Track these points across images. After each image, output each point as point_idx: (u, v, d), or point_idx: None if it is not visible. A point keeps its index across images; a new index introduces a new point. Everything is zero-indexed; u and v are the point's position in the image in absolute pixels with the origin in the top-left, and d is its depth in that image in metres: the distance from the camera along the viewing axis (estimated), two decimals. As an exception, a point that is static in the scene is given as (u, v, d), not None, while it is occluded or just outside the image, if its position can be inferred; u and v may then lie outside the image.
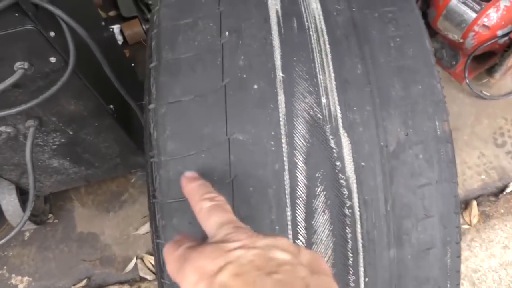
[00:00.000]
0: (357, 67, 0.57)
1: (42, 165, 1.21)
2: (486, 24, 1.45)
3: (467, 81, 1.61)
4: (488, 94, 1.66)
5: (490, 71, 1.57)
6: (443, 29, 1.57)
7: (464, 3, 1.46)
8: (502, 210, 1.48)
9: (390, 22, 0.60)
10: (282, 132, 0.54)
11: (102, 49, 1.02)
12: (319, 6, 0.62)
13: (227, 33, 0.59)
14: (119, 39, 1.75)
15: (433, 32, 1.68)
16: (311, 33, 0.59)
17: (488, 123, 1.63)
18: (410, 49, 0.58)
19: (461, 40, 1.53)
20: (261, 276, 0.33)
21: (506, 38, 1.45)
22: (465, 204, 1.51)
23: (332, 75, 0.56)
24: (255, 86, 0.55)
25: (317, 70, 0.57)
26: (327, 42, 0.58)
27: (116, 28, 1.75)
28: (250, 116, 0.54)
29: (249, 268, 0.34)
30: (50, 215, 1.50)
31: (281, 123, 0.54)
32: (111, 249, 1.43)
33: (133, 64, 1.59)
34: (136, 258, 1.41)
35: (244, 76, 0.56)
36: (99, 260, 1.42)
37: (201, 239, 0.42)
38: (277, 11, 0.61)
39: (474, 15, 1.45)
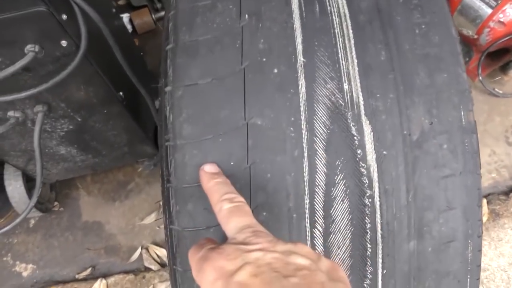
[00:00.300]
0: (380, 53, 0.55)
1: (50, 152, 1.20)
2: (501, 20, 1.42)
3: (480, 78, 1.58)
4: (501, 92, 1.63)
5: (504, 69, 1.55)
6: (457, 24, 1.54)
7: (480, -2, 1.44)
8: (511, 209, 1.47)
9: (416, 9, 0.58)
10: (302, 118, 0.52)
11: (113, 34, 1.01)
12: (341, -10, 0.60)
13: (246, 15, 0.57)
14: (128, 28, 1.73)
15: (446, 28, 1.65)
16: (333, 17, 0.57)
17: (500, 121, 1.61)
18: (436, 36, 0.57)
19: (476, 36, 1.50)
20: (279, 277, 0.33)
21: (522, 35, 1.43)
22: (475, 203, 1.49)
23: (355, 61, 0.55)
24: (275, 70, 0.54)
25: (340, 55, 0.55)
26: (350, 27, 0.57)
27: (125, 17, 1.73)
28: (269, 101, 0.53)
29: (267, 270, 0.34)
30: (56, 203, 1.49)
31: (301, 108, 0.53)
32: (116, 239, 1.42)
33: (142, 53, 1.58)
34: (141, 248, 1.40)
35: (264, 59, 0.54)
36: (104, 249, 1.41)
37: (221, 241, 0.42)
38: (298, -6, 0.59)
39: (489, 10, 1.42)
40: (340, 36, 0.56)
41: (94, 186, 1.50)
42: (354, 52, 0.55)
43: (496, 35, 1.46)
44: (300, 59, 0.54)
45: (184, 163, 0.52)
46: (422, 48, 0.56)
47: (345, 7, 0.58)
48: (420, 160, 0.52)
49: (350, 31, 0.56)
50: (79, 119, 1.07)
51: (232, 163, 0.51)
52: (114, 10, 1.21)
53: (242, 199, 0.45)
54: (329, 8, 0.58)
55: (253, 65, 0.54)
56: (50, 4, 0.75)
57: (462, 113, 0.54)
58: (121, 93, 1.06)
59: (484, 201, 1.47)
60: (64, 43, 0.82)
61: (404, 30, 0.56)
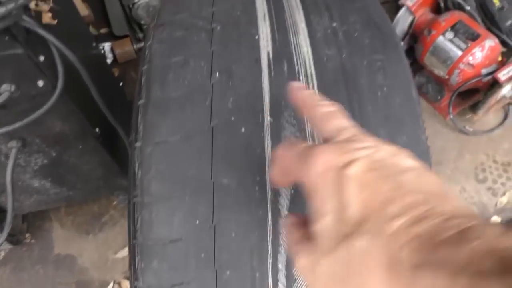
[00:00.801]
0: (344, 115, 0.57)
1: (23, 185, 1.19)
2: (471, 62, 1.49)
3: (451, 116, 1.64)
4: (471, 129, 1.69)
5: (474, 108, 1.61)
6: (429, 64, 1.60)
7: (450, 40, 1.50)
8: (482, 246, 1.50)
9: (379, 71, 0.61)
10: (267, 177, 0.54)
11: (91, 69, 1.02)
12: (310, 50, 0.63)
13: (217, 73, 0.59)
14: (109, 57, 1.74)
15: (419, 67, 1.71)
16: (301, 77, 0.60)
17: (470, 158, 1.66)
18: (397, 99, 0.59)
19: (447, 77, 1.56)
20: (395, 172, 0.30)
21: (490, 77, 1.49)
22: (446, 239, 1.52)
23: (320, 121, 0.57)
24: (243, 130, 0.56)
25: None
26: (316, 88, 0.59)
27: (106, 46, 1.74)
28: (236, 160, 0.54)
29: (381, 165, 0.31)
30: (27, 235, 1.46)
31: (267, 168, 0.54)
32: (88, 273, 1.40)
33: (121, 83, 1.59)
34: (113, 283, 1.38)
35: (232, 118, 0.56)
36: (76, 284, 1.38)
37: None
38: (268, 53, 0.62)
39: (460, 53, 1.49)
40: (306, 97, 0.58)
41: (68, 218, 1.48)
42: (319, 113, 0.57)
43: (466, 76, 1.52)
44: (268, 118, 0.56)
45: (151, 220, 0.53)
46: (383, 110, 0.58)
47: (312, 68, 0.61)
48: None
49: (316, 91, 0.59)
50: (54, 154, 1.07)
51: (197, 222, 0.52)
52: (94, 43, 1.22)
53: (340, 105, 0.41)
54: (297, 67, 0.61)
55: (222, 124, 0.56)
56: (28, 46, 0.76)
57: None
58: (97, 129, 1.07)
59: (455, 237, 1.50)
60: (40, 83, 0.83)
61: (367, 92, 0.59)
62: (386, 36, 0.66)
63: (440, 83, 1.67)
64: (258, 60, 0.61)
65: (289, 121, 0.57)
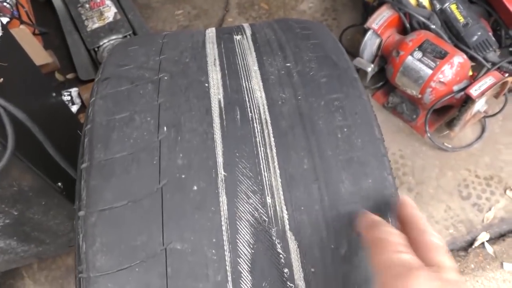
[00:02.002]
0: (303, 162, 0.54)
1: (-14, 246, 1.12)
2: (442, 80, 1.48)
3: (429, 134, 1.62)
4: (450, 146, 1.67)
5: (450, 125, 1.59)
6: (401, 85, 1.59)
7: (419, 60, 1.50)
8: (472, 265, 1.46)
9: (337, 111, 0.58)
10: (225, 238, 0.50)
11: (51, 120, 0.97)
12: (263, 95, 0.59)
13: (165, 128, 0.55)
14: (77, 103, 1.70)
15: (392, 87, 1.70)
16: (255, 125, 0.56)
17: (452, 175, 1.63)
18: (359, 139, 0.56)
19: (420, 96, 1.55)
20: None
21: (462, 93, 1.48)
22: (436, 261, 1.47)
23: (278, 171, 0.53)
24: (195, 187, 0.51)
25: (262, 166, 0.53)
26: (271, 135, 0.55)
27: (74, 91, 1.70)
28: (189, 222, 0.50)
29: None
30: (-2, 296, 1.38)
31: (223, 228, 0.50)
32: (65, 332, 1.32)
33: (90, 129, 1.54)
34: None
35: (183, 176, 0.52)
36: None
37: None
38: (219, 101, 0.58)
39: (430, 71, 1.48)
40: (261, 145, 0.55)
41: (41, 273, 1.41)
42: (276, 162, 0.53)
43: (438, 94, 1.51)
44: (221, 173, 0.52)
45: (98, 298, 0.48)
46: (345, 153, 0.55)
47: (267, 113, 0.57)
48: (351, 275, 0.50)
49: (272, 139, 0.55)
50: (16, 213, 1.01)
51: (149, 296, 0.47)
52: (53, 93, 1.18)
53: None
54: (250, 114, 0.57)
55: (172, 183, 0.52)
56: (-30, 107, 0.72)
57: (390, 220, 0.53)
58: (59, 183, 1.01)
59: (445, 258, 1.46)
60: (-12, 145, 0.78)
61: (326, 134, 0.56)
62: (343, 72, 0.63)
63: (414, 102, 1.65)
64: (208, 110, 0.57)
65: (245, 173, 0.53)
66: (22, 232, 1.11)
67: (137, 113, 0.57)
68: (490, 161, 1.65)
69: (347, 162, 0.54)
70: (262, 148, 0.54)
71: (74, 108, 1.70)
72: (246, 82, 0.61)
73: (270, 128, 0.56)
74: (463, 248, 1.50)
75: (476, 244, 1.49)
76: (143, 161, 0.53)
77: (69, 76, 1.79)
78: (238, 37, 0.70)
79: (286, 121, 0.57)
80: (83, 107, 1.71)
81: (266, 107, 0.58)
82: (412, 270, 0.38)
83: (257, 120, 0.57)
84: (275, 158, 0.54)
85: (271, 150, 0.54)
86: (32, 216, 1.05)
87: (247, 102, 0.58)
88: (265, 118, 0.57)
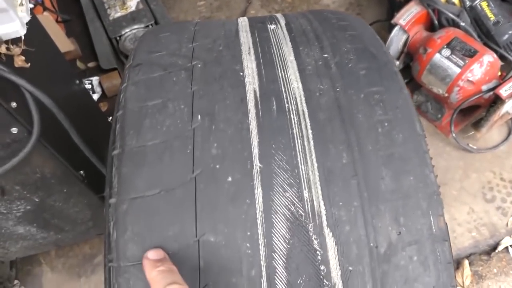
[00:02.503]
0: (342, 156, 0.51)
1: (6, 232, 1.12)
2: (470, 79, 1.44)
3: (454, 134, 1.58)
4: (475, 147, 1.63)
5: (476, 125, 1.55)
6: (427, 83, 1.55)
7: (448, 58, 1.45)
8: (495, 270, 1.42)
9: (377, 104, 0.55)
10: (259, 232, 0.48)
11: (74, 108, 0.96)
12: (300, 86, 0.57)
13: (199, 116, 0.53)
14: (98, 91, 1.70)
15: (417, 85, 1.66)
16: (291, 116, 0.54)
17: (476, 177, 1.59)
18: (400, 134, 0.54)
19: (446, 95, 1.51)
20: None
21: (491, 93, 1.44)
22: (457, 264, 1.44)
23: (315, 165, 0.51)
24: (229, 179, 0.50)
25: (299, 159, 0.51)
26: (309, 127, 0.53)
27: (95, 80, 1.70)
28: (223, 214, 0.48)
29: None
30: (16, 281, 1.39)
31: (258, 221, 0.48)
32: (81, 320, 1.32)
33: (110, 118, 1.53)
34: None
35: (217, 166, 0.50)
36: (67, 332, 1.30)
37: None
38: (254, 91, 0.56)
39: (458, 70, 1.44)
40: (299, 137, 0.53)
41: (58, 261, 1.41)
42: (314, 155, 0.51)
43: (466, 93, 1.47)
44: (257, 164, 0.51)
45: (129, 288, 0.47)
46: (385, 148, 0.52)
47: (304, 104, 0.55)
48: (389, 275, 0.48)
49: (309, 131, 0.53)
50: (37, 200, 1.00)
51: None
52: (77, 81, 1.17)
53: None
54: (287, 105, 0.55)
55: (205, 173, 0.50)
56: (-2, 92, 0.71)
57: (432, 219, 0.50)
58: (81, 171, 1.01)
59: (466, 262, 1.43)
60: (14, 130, 0.77)
61: (366, 129, 0.53)
62: (383, 65, 0.61)
63: (440, 101, 1.62)
64: (243, 99, 0.55)
65: (281, 166, 0.51)
66: (42, 219, 1.11)
67: (170, 101, 0.55)
68: (516, 164, 1.61)
69: (387, 158, 0.52)
70: (299, 141, 0.52)
71: (94, 97, 1.69)
72: (282, 72, 0.58)
73: (307, 120, 0.54)
74: (485, 252, 1.46)
75: (500, 248, 1.45)
76: (176, 150, 0.51)
77: (90, 64, 1.79)
78: (272, 27, 0.68)
79: (324, 113, 0.54)
80: (103, 96, 1.71)
81: (303, 98, 0.56)
82: None
83: (294, 112, 0.54)
84: (313, 151, 0.52)
85: (309, 142, 0.52)
86: (53, 204, 1.05)
87: (284, 93, 0.56)
88: (302, 110, 0.55)
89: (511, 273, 1.41)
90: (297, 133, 0.53)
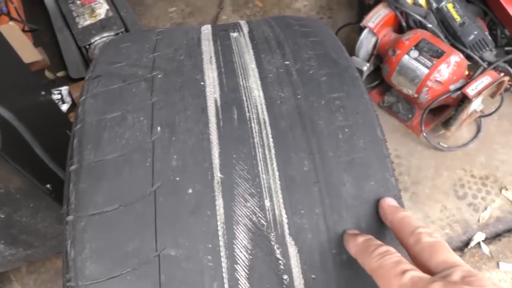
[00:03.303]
0: (303, 163, 0.51)
1: (-28, 250, 1.09)
2: (438, 79, 1.47)
3: (424, 134, 1.61)
4: (445, 145, 1.66)
5: (446, 124, 1.58)
6: (397, 84, 1.58)
7: (416, 59, 1.48)
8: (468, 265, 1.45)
9: (338, 110, 0.56)
10: (221, 243, 0.47)
11: (39, 120, 0.94)
12: (261, 94, 0.57)
13: (159, 128, 0.53)
14: (68, 101, 1.66)
15: (388, 86, 1.69)
16: (253, 125, 0.54)
17: (448, 175, 1.62)
18: (361, 140, 0.54)
19: (416, 95, 1.54)
20: None
21: (458, 92, 1.47)
22: (432, 261, 1.46)
23: (276, 173, 0.51)
24: (190, 191, 0.49)
25: (260, 168, 0.51)
26: (270, 135, 0.53)
27: (64, 89, 1.67)
28: (184, 227, 0.47)
29: None
30: (-14, 300, 1.35)
31: (220, 232, 0.47)
32: (55, 337, 1.29)
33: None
34: None
35: (178, 178, 0.49)
36: None
37: None
38: (215, 100, 0.56)
39: (426, 70, 1.47)
40: (260, 146, 0.52)
41: (30, 277, 1.37)
42: (275, 164, 0.51)
43: (434, 93, 1.50)
44: (217, 175, 0.50)
45: (88, 308, 0.45)
46: (346, 154, 0.53)
47: (265, 113, 0.55)
48: (353, 281, 0.48)
49: (271, 139, 0.53)
50: (2, 216, 0.97)
51: (142, 305, 0.45)
52: (42, 92, 1.15)
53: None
54: (248, 114, 0.55)
55: (166, 186, 0.49)
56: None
57: (393, 224, 0.51)
58: (48, 185, 0.98)
59: (441, 259, 1.44)
60: (-27, 145, 0.75)
61: (327, 135, 0.54)
62: (344, 70, 0.61)
63: (410, 102, 1.64)
64: (204, 109, 0.55)
65: (242, 176, 0.50)
66: (9, 235, 1.08)
67: (129, 113, 0.54)
68: (486, 160, 1.65)
69: (348, 164, 0.52)
70: (260, 149, 0.52)
71: (64, 107, 1.66)
72: (244, 81, 0.58)
73: (268, 128, 0.54)
74: (459, 248, 1.49)
75: (472, 244, 1.48)
76: (136, 163, 0.50)
77: (60, 74, 1.75)
78: (235, 35, 0.68)
79: (285, 121, 0.54)
80: (73, 106, 1.67)
81: (264, 106, 0.56)
82: None
83: (255, 120, 0.54)
84: (274, 159, 0.51)
85: (270, 151, 0.52)
86: (20, 219, 1.02)
87: (245, 102, 0.56)
88: (264, 118, 0.54)
89: (484, 268, 1.44)
90: (258, 142, 0.52)
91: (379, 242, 0.44)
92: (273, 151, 0.52)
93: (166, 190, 0.49)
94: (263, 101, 0.56)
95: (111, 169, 0.50)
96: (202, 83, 0.58)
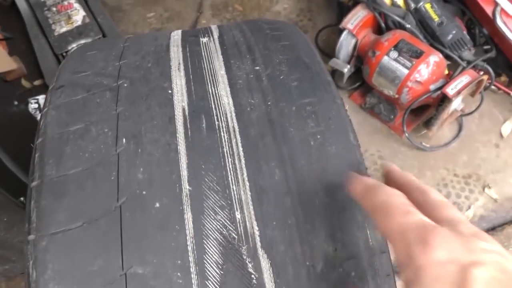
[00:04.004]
0: (274, 172, 0.50)
1: None
2: (418, 79, 1.47)
3: (406, 134, 1.61)
4: (428, 145, 1.66)
5: (427, 124, 1.58)
6: (378, 85, 1.57)
7: (395, 60, 1.48)
8: (454, 266, 1.44)
9: (310, 117, 0.54)
10: (191, 259, 0.45)
11: (13, 131, 0.91)
12: (231, 101, 0.55)
13: (124, 140, 0.51)
14: (45, 110, 1.63)
15: (369, 88, 1.68)
16: (222, 134, 0.52)
17: (431, 175, 1.63)
18: (333, 146, 0.52)
19: (397, 96, 1.54)
20: None
21: (438, 92, 1.47)
22: (418, 262, 1.46)
23: (247, 184, 0.49)
24: (157, 205, 0.47)
25: (230, 179, 0.49)
26: (240, 144, 0.51)
27: (41, 98, 1.63)
28: (151, 243, 0.45)
29: (510, 277, 0.30)
30: (-38, 318, 1.30)
31: (189, 248, 0.46)
32: None
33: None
34: None
35: (144, 192, 0.47)
36: None
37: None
38: (183, 109, 0.54)
39: (406, 71, 1.47)
40: (229, 156, 0.51)
41: (8, 292, 1.33)
42: (245, 174, 0.49)
43: (415, 93, 1.50)
44: (186, 187, 0.48)
45: (50, 333, 0.43)
46: (318, 162, 0.51)
47: (234, 120, 0.53)
48: (328, 294, 0.46)
49: (240, 148, 0.51)
50: (-25, 232, 0.95)
51: (108, 328, 0.43)
52: (15, 102, 1.12)
53: None
54: (217, 123, 0.53)
55: (131, 200, 0.47)
56: None
57: (368, 232, 0.49)
58: (21, 198, 0.95)
59: (426, 260, 1.44)
60: None
61: (298, 142, 0.52)
62: (316, 74, 0.60)
63: (392, 103, 1.64)
64: (172, 119, 0.53)
65: (212, 187, 0.49)
66: (-16, 250, 1.05)
67: (93, 124, 0.52)
68: (468, 159, 1.65)
69: (321, 172, 0.51)
70: (230, 159, 0.50)
71: (42, 116, 1.62)
72: (213, 88, 0.56)
73: (238, 137, 0.52)
74: (444, 248, 1.49)
75: (457, 243, 1.48)
76: (100, 177, 0.48)
77: (37, 82, 1.72)
78: (205, 40, 0.66)
79: (255, 129, 0.53)
80: (51, 115, 1.64)
81: (234, 114, 0.54)
82: (430, 231, 0.33)
83: (225, 129, 0.52)
84: (244, 169, 0.50)
85: (240, 161, 0.50)
86: (-6, 234, 0.99)
87: (214, 110, 0.54)
88: (233, 126, 0.53)
89: (469, 267, 1.43)
90: (228, 151, 0.51)
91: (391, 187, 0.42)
92: (243, 161, 0.50)
93: (132, 205, 0.47)
94: (232, 109, 0.54)
95: (73, 184, 0.48)
96: (169, 91, 0.56)
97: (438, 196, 0.40)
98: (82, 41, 1.75)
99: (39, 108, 1.66)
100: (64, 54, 1.74)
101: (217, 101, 0.55)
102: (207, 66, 0.60)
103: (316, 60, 0.62)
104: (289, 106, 0.55)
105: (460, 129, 1.70)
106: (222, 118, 0.53)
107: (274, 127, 0.53)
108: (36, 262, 0.45)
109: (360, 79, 1.74)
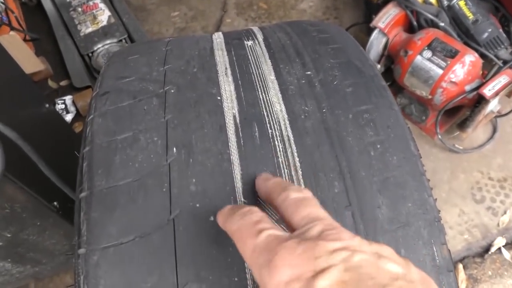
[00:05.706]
0: (334, 185, 0.47)
1: (-22, 270, 1.05)
2: (453, 80, 1.42)
3: (439, 136, 1.56)
4: (461, 147, 1.61)
5: (461, 126, 1.53)
6: (410, 85, 1.53)
7: (429, 59, 1.43)
8: (489, 272, 1.40)
9: (368, 125, 0.51)
10: (248, 276, 0.43)
11: (43, 134, 0.90)
12: (283, 108, 0.53)
13: (174, 149, 0.48)
14: (72, 111, 1.63)
15: (400, 88, 1.64)
16: (276, 142, 0.50)
17: (464, 178, 1.58)
18: (394, 156, 0.50)
19: (430, 97, 1.49)
20: (376, 286, 0.27)
21: (474, 93, 1.42)
22: (451, 268, 1.42)
23: (305, 196, 0.46)
24: (212, 218, 0.45)
25: (286, 191, 0.46)
26: (295, 154, 0.49)
27: (68, 99, 1.63)
28: (207, 258, 0.43)
29: (358, 275, 0.28)
30: (-6, 319, 1.31)
31: (246, 264, 0.43)
32: None
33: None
34: None
35: (198, 205, 0.45)
36: None
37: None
38: (234, 116, 0.52)
39: (440, 71, 1.42)
40: (285, 167, 0.48)
41: (38, 294, 1.34)
42: (302, 186, 0.47)
43: (449, 94, 1.45)
44: (241, 200, 0.46)
45: None
46: (379, 173, 0.48)
47: (288, 129, 0.51)
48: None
49: (296, 159, 0.48)
50: (9, 235, 0.94)
51: None
52: (46, 104, 1.11)
53: (310, 192, 0.39)
54: (270, 131, 0.50)
55: (185, 213, 0.45)
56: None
57: (435, 249, 0.46)
58: (55, 202, 0.94)
59: (461, 266, 1.40)
60: (-24, 166, 0.71)
61: (357, 152, 0.49)
62: (370, 79, 0.57)
63: (424, 103, 1.59)
64: (223, 127, 0.50)
65: (268, 200, 0.46)
66: (16, 253, 1.04)
67: (141, 133, 0.50)
68: (503, 162, 1.60)
69: (382, 184, 0.48)
70: (286, 170, 0.48)
71: (68, 117, 1.63)
72: (263, 94, 0.54)
73: (293, 146, 0.49)
74: (479, 254, 1.44)
75: (493, 249, 1.43)
76: (151, 189, 0.46)
77: (63, 83, 1.72)
78: (250, 43, 0.63)
79: (311, 138, 0.50)
80: (78, 116, 1.64)
81: (287, 122, 0.51)
82: (273, 250, 0.31)
83: (279, 138, 0.50)
84: (301, 181, 0.47)
85: (296, 172, 0.48)
86: (27, 237, 0.98)
87: (266, 117, 0.52)
88: (287, 135, 0.50)
89: (505, 275, 1.39)
90: (283, 161, 0.48)
91: (246, 205, 0.40)
92: (300, 172, 0.48)
93: (185, 218, 0.45)
94: (285, 116, 0.52)
95: (124, 196, 0.46)
96: (218, 98, 0.53)
97: (295, 194, 0.38)
98: (108, 42, 1.74)
99: (65, 109, 1.66)
100: (90, 54, 1.74)
101: (269, 108, 0.53)
102: (255, 71, 0.57)
103: (369, 64, 0.59)
104: (345, 114, 0.52)
105: (494, 130, 1.65)
106: (276, 126, 0.51)
107: (331, 136, 0.50)
108: (87, 277, 0.43)
109: (390, 79, 1.69)
